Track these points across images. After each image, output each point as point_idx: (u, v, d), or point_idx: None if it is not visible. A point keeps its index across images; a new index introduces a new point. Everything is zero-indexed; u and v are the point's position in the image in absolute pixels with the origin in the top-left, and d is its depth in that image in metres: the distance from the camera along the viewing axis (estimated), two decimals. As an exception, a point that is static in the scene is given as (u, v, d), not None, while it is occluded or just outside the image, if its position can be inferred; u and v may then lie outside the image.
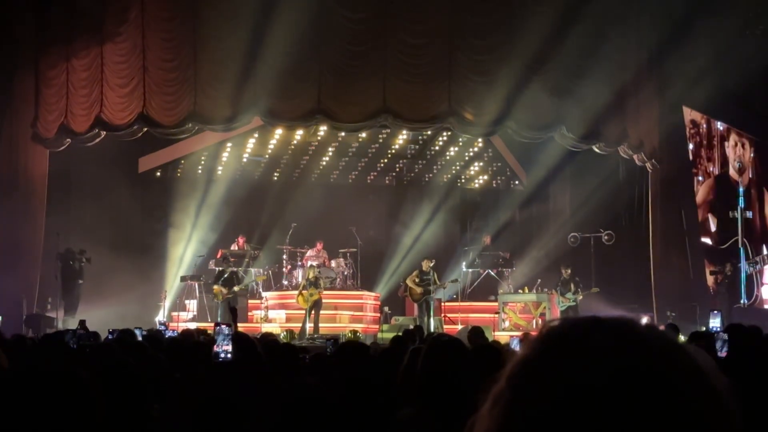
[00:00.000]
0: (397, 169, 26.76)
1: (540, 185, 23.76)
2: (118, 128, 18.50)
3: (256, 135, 22.69)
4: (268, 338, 8.07)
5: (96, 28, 18.34)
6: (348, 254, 21.77)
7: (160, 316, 19.29)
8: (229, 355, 5.22)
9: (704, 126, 22.63)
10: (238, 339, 5.42)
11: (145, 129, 18.64)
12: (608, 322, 1.03)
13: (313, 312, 18.53)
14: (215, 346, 5.29)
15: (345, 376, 4.79)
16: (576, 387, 0.95)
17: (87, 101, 18.50)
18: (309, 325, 18.42)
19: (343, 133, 22.07)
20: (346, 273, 21.53)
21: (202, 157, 23.90)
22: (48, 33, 18.71)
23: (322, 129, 21.67)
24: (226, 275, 18.86)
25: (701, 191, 22.34)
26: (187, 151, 23.16)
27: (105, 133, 18.68)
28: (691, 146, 22.32)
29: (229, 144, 23.16)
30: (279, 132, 22.18)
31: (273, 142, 23.55)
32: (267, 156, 24.44)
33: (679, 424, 0.94)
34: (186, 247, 21.78)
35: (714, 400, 0.97)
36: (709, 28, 19.01)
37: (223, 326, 5.47)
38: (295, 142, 23.60)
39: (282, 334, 17.05)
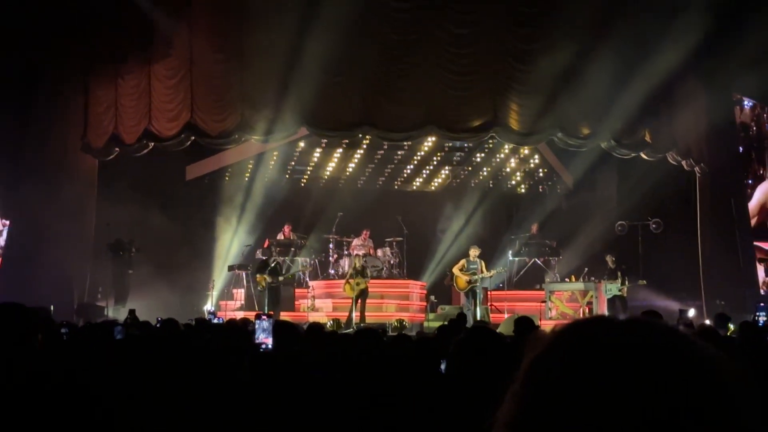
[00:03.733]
0: (443, 176, 26.96)
1: (586, 174, 23.49)
2: (166, 139, 18.75)
3: (302, 144, 22.93)
4: (315, 327, 8.13)
5: (144, 43, 18.59)
6: (394, 243, 21.81)
7: (209, 305, 19.53)
8: (269, 347, 5.27)
9: (754, 129, 22.31)
10: (280, 328, 5.46)
11: (192, 138, 18.81)
12: (619, 323, 1.06)
13: (359, 301, 18.61)
14: (256, 338, 5.33)
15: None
16: (586, 386, 0.99)
17: (135, 113, 18.82)
18: (355, 314, 18.52)
19: (386, 145, 22.18)
20: (392, 262, 21.58)
21: (249, 165, 24.10)
22: (97, 47, 18.92)
23: (364, 145, 21.95)
24: (271, 264, 18.97)
25: (757, 195, 21.99)
26: (233, 161, 23.44)
27: (153, 144, 18.97)
28: (740, 149, 22.00)
29: (275, 153, 23.41)
30: (324, 141, 22.39)
31: (319, 151, 23.78)
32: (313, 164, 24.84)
33: (684, 427, 0.96)
34: (233, 238, 22.00)
35: (728, 408, 0.98)
36: (761, 15, 18.51)
37: (263, 319, 5.51)
38: (336, 156, 23.95)
39: (328, 323, 17.15)
